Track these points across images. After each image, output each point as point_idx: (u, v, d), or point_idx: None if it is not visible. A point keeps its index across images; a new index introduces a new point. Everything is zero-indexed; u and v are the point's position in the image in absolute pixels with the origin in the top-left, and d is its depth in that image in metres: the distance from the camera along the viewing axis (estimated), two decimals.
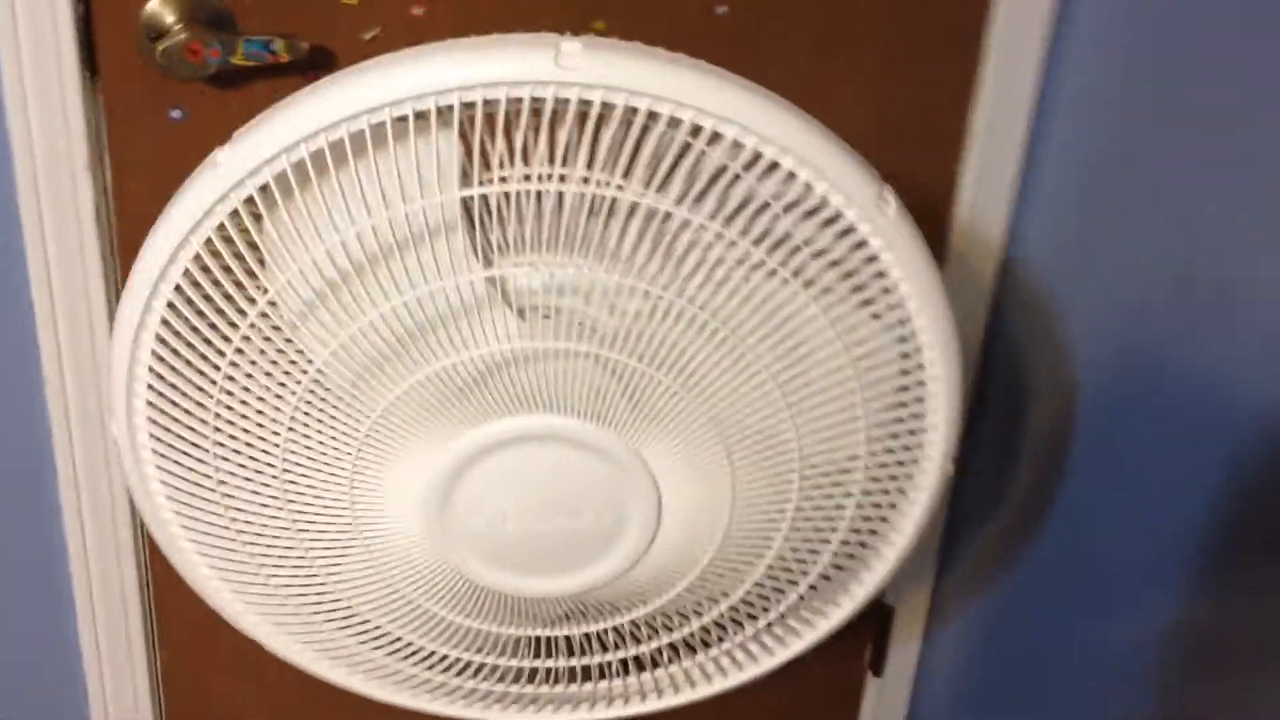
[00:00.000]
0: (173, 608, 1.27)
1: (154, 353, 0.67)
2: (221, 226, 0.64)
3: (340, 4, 1.03)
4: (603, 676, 0.79)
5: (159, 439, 0.69)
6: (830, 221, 0.64)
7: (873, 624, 1.56)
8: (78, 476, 1.15)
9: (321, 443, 0.69)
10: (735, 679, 0.79)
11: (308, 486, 0.70)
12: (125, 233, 1.07)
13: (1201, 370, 1.11)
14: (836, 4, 1.15)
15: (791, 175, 0.63)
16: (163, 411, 0.68)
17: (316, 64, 1.03)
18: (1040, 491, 1.34)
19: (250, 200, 0.63)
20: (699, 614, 0.76)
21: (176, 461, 0.70)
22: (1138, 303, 1.19)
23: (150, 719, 1.31)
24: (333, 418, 0.68)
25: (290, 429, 0.68)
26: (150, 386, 0.68)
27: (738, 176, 0.63)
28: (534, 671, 0.78)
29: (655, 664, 0.79)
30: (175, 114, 1.03)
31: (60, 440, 1.14)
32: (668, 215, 0.64)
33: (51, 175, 1.01)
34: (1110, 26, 1.18)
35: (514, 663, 0.77)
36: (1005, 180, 1.29)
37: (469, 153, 0.64)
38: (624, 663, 0.78)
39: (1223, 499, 1.09)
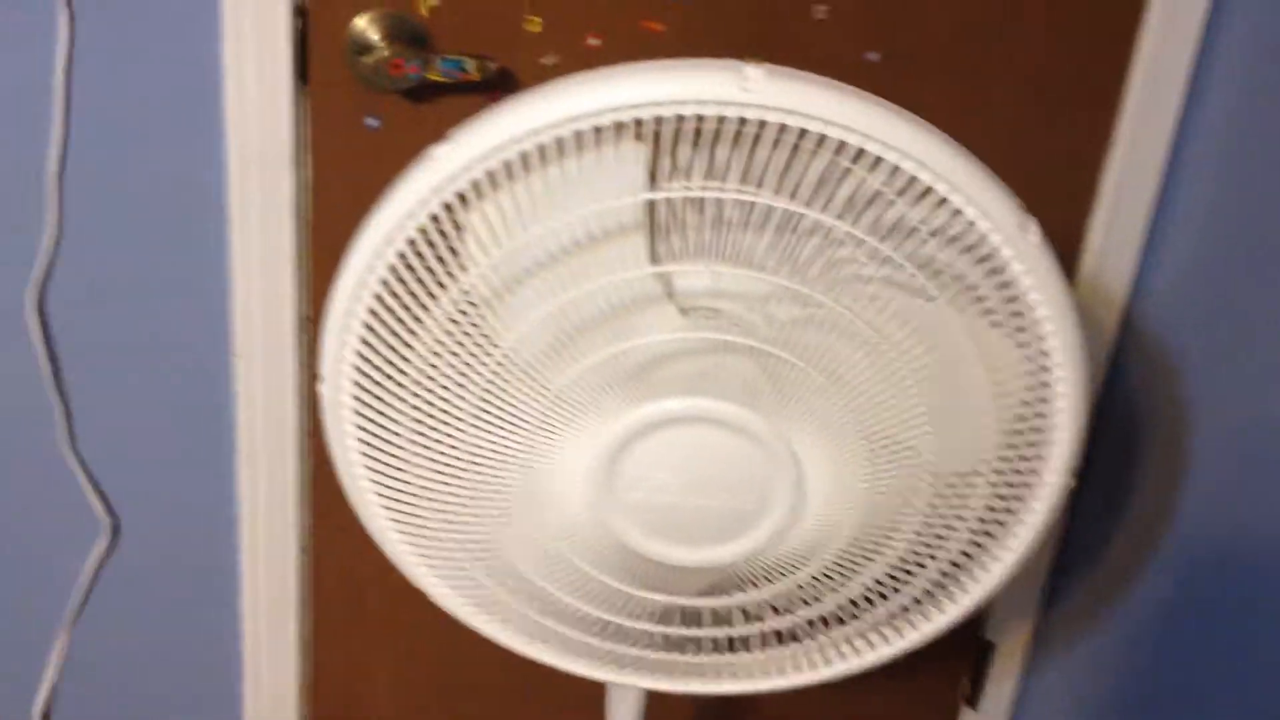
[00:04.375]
0: (327, 571, 1.36)
1: (364, 323, 0.75)
2: (435, 217, 0.72)
3: (523, 31, 1.12)
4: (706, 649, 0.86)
5: (361, 399, 0.78)
6: (975, 244, 0.71)
7: (971, 657, 1.59)
8: (255, 444, 1.26)
9: (504, 417, 0.77)
10: (835, 669, 0.85)
11: (490, 453, 0.78)
12: (318, 223, 1.17)
13: None
14: (980, 54, 1.22)
15: (943, 201, 0.70)
16: (368, 376, 0.77)
17: (501, 84, 1.12)
18: (1149, 536, 1.36)
19: (460, 195, 0.72)
20: (818, 601, 0.83)
21: (374, 421, 0.78)
22: (1257, 365, 1.21)
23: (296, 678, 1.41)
24: (516, 394, 0.76)
25: (481, 401, 0.76)
26: (359, 353, 0.76)
27: (893, 201, 0.70)
28: (661, 637, 0.85)
29: (753, 645, 0.86)
30: (371, 122, 1.13)
31: (245, 411, 1.24)
32: (829, 231, 0.71)
33: (260, 167, 1.12)
34: (1247, 88, 1.21)
35: (644, 626, 0.84)
36: (1134, 233, 1.34)
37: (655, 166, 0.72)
38: (730, 641, 0.86)
39: None
